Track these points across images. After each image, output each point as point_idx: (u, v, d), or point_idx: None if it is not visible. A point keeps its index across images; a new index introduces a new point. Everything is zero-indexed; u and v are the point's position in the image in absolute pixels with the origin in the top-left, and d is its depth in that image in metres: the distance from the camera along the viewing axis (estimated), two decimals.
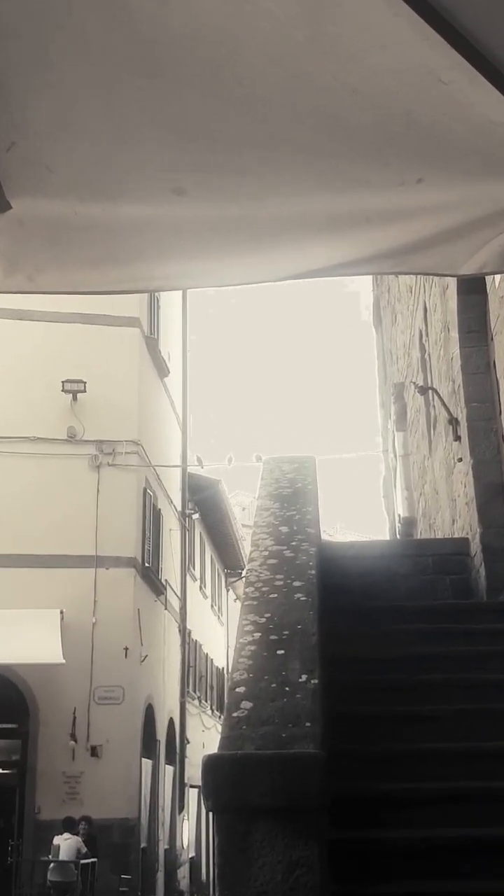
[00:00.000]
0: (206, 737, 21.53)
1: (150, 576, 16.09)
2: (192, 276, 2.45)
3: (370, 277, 16.52)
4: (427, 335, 8.94)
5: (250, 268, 2.36)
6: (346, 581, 6.35)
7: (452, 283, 6.83)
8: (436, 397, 8.04)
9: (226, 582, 28.75)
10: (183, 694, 19.21)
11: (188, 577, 20.49)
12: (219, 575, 27.65)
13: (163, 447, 18.46)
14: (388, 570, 6.79)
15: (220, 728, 3.79)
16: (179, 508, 20.08)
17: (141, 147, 2.08)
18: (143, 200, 2.18)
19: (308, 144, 2.08)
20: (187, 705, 19.66)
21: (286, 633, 3.80)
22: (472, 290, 6.65)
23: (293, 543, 5.02)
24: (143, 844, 14.74)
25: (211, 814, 3.09)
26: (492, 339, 6.44)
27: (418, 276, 8.89)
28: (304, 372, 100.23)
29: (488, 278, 5.98)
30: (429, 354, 8.92)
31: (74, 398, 15.39)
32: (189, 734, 19.56)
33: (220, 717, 22.18)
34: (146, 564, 15.80)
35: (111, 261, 2.33)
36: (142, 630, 15.20)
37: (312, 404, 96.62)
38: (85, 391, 15.32)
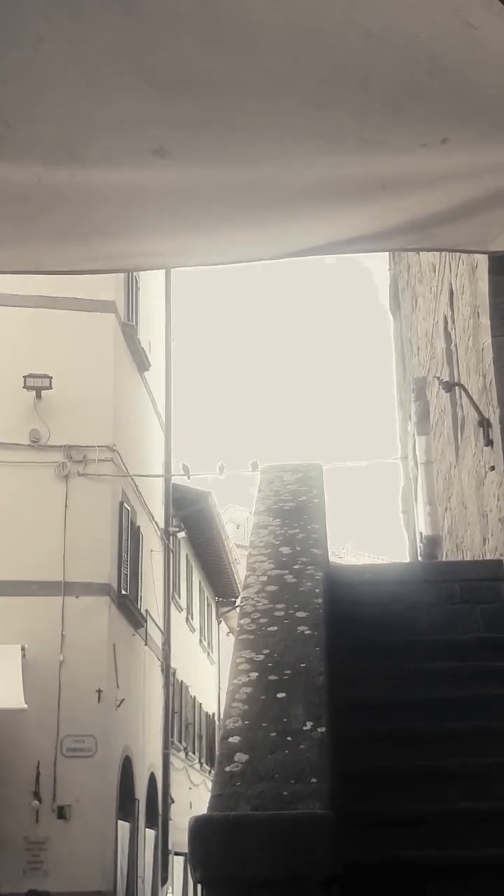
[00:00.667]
0: (193, 795, 21.51)
1: (128, 605, 16.08)
2: (177, 253, 2.45)
3: (386, 255, 16.56)
4: (453, 322, 8.95)
5: (244, 243, 2.36)
6: (359, 611, 6.35)
7: (483, 261, 6.83)
8: (464, 395, 8.05)
9: (217, 612, 28.75)
10: (166, 745, 19.18)
11: (172, 607, 20.47)
12: (209, 604, 27.64)
13: (142, 454, 18.46)
14: (408, 599, 6.78)
15: (209, 785, 3.77)
16: (162, 526, 20.08)
17: (115, 99, 2.08)
18: (118, 163, 2.18)
19: (313, 97, 2.08)
20: (171, 758, 19.63)
21: (288, 672, 3.80)
22: None
23: (296, 567, 5.02)
24: None
25: (199, 886, 3.08)
26: None
27: (443, 254, 8.90)
28: (309, 365, 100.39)
29: None
30: (455, 345, 8.93)
31: (38, 396, 15.39)
32: (174, 792, 19.53)
33: (210, 771, 22.15)
34: (123, 592, 15.78)
35: (81, 235, 2.33)
36: (118, 669, 15.18)
37: (319, 403, 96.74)
38: (51, 388, 15.32)
